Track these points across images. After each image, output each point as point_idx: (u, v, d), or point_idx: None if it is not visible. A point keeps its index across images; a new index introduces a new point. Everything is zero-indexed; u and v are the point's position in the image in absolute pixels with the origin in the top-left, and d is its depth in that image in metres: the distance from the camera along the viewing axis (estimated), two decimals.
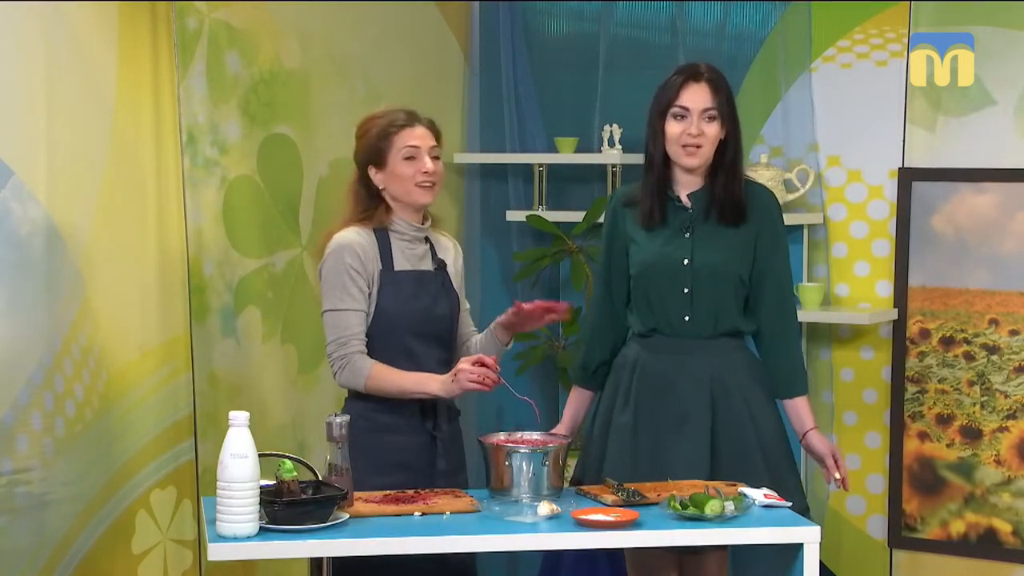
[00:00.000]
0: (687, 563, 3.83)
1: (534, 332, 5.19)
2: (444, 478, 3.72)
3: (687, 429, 3.77)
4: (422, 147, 3.69)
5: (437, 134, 3.77)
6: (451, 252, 3.87)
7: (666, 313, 3.80)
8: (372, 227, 3.73)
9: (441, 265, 3.81)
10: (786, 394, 3.89)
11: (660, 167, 3.80)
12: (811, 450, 3.88)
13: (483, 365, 3.57)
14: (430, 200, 3.74)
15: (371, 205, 3.74)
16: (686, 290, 3.78)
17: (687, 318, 3.79)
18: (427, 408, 3.73)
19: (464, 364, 3.59)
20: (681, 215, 3.80)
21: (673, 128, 3.75)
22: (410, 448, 3.72)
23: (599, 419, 3.91)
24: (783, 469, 3.80)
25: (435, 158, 3.72)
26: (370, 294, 3.69)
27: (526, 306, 3.73)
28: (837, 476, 3.84)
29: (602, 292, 3.96)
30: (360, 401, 3.72)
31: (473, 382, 3.55)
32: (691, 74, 3.76)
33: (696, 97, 3.73)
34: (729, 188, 3.77)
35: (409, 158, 3.68)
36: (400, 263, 3.73)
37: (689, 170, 3.78)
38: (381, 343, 3.68)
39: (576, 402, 4.00)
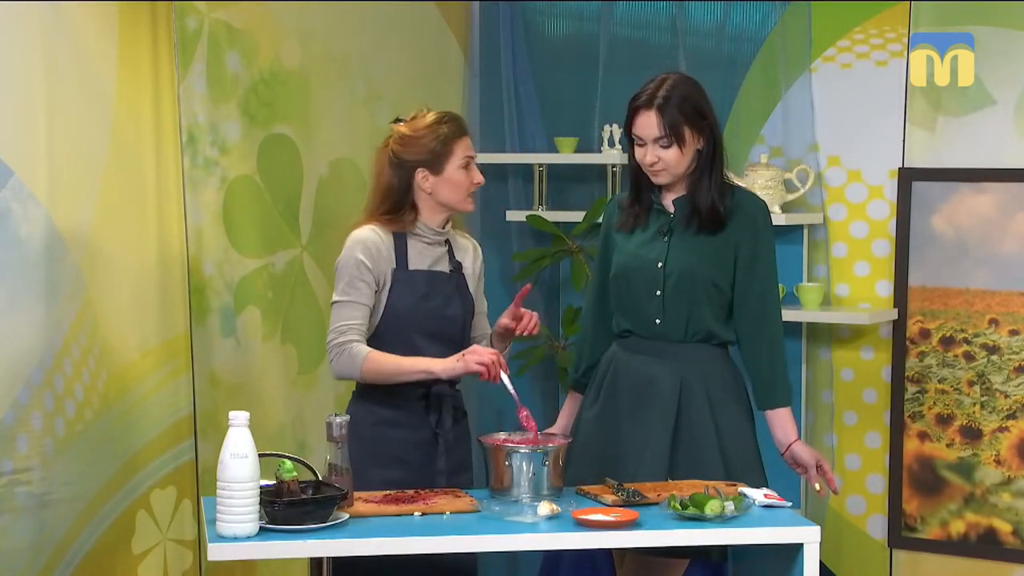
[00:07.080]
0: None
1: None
2: (445, 477, 3.72)
3: (649, 427, 3.77)
4: (474, 157, 3.77)
5: None
6: (469, 253, 3.90)
7: (639, 315, 3.83)
8: (392, 230, 3.74)
9: (457, 267, 3.83)
10: (766, 405, 3.86)
11: (636, 176, 3.85)
12: (797, 461, 3.84)
13: (495, 358, 3.60)
14: (472, 208, 3.82)
15: (397, 207, 3.75)
16: (658, 292, 3.79)
17: (658, 320, 3.80)
18: (432, 405, 3.74)
19: (478, 347, 3.64)
20: (662, 219, 3.83)
21: (637, 152, 3.81)
22: (411, 443, 3.72)
23: (576, 418, 3.95)
24: (745, 479, 3.73)
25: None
26: (378, 292, 3.70)
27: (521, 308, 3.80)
28: (817, 487, 3.82)
29: (594, 296, 3.98)
30: (365, 399, 3.74)
31: (480, 364, 3.57)
32: (641, 103, 3.76)
33: (645, 126, 3.75)
34: (708, 196, 3.77)
35: (464, 167, 3.73)
36: (415, 263, 3.75)
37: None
38: (390, 340, 3.69)
39: (569, 406, 4.04)
